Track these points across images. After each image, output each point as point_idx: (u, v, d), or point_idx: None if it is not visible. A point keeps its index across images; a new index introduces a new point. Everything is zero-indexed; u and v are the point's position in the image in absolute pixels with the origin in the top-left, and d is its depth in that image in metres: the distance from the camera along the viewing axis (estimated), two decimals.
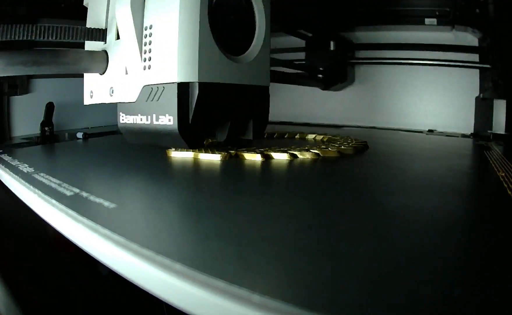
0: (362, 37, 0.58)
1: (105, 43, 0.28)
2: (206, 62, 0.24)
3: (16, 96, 0.44)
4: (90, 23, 0.29)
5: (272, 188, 0.21)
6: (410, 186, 0.21)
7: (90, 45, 0.29)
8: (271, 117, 0.32)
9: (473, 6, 0.47)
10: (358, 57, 0.58)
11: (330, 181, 0.22)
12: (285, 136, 0.40)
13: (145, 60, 0.25)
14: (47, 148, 0.36)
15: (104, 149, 0.36)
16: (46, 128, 0.40)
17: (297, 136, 0.40)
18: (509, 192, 0.19)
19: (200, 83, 0.24)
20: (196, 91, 0.24)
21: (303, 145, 0.31)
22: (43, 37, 0.24)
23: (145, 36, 0.25)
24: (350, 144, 0.32)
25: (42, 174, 0.22)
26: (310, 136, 0.40)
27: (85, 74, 0.30)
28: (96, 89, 0.29)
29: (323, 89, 0.58)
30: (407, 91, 0.56)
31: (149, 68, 0.25)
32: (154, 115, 0.25)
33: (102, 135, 0.45)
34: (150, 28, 0.25)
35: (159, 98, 0.24)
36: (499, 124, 0.47)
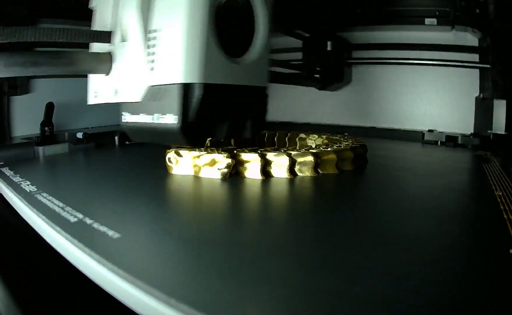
0: (364, 37, 0.58)
1: (110, 45, 0.28)
2: (209, 64, 0.25)
3: (16, 96, 0.44)
4: (97, 25, 0.30)
5: (271, 215, 0.21)
6: (409, 210, 0.21)
7: (96, 47, 0.30)
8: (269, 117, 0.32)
9: (473, 6, 0.47)
10: (359, 57, 0.58)
11: (330, 205, 0.22)
12: (286, 145, 0.40)
13: (150, 62, 0.26)
14: (48, 160, 0.36)
15: (105, 164, 0.36)
16: (46, 128, 0.40)
17: (297, 147, 0.40)
18: (505, 216, 0.19)
19: (203, 84, 0.25)
20: (199, 92, 0.25)
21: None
22: (51, 39, 0.24)
23: (150, 39, 0.25)
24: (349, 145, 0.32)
25: (44, 194, 0.22)
26: (310, 141, 0.40)
27: (90, 75, 0.30)
28: (100, 89, 0.29)
29: (320, 89, 0.58)
30: (408, 91, 0.56)
31: (154, 69, 0.25)
32: (157, 115, 0.26)
33: (102, 135, 0.45)
34: (156, 31, 0.25)
35: (162, 98, 0.25)
36: (499, 124, 0.47)
